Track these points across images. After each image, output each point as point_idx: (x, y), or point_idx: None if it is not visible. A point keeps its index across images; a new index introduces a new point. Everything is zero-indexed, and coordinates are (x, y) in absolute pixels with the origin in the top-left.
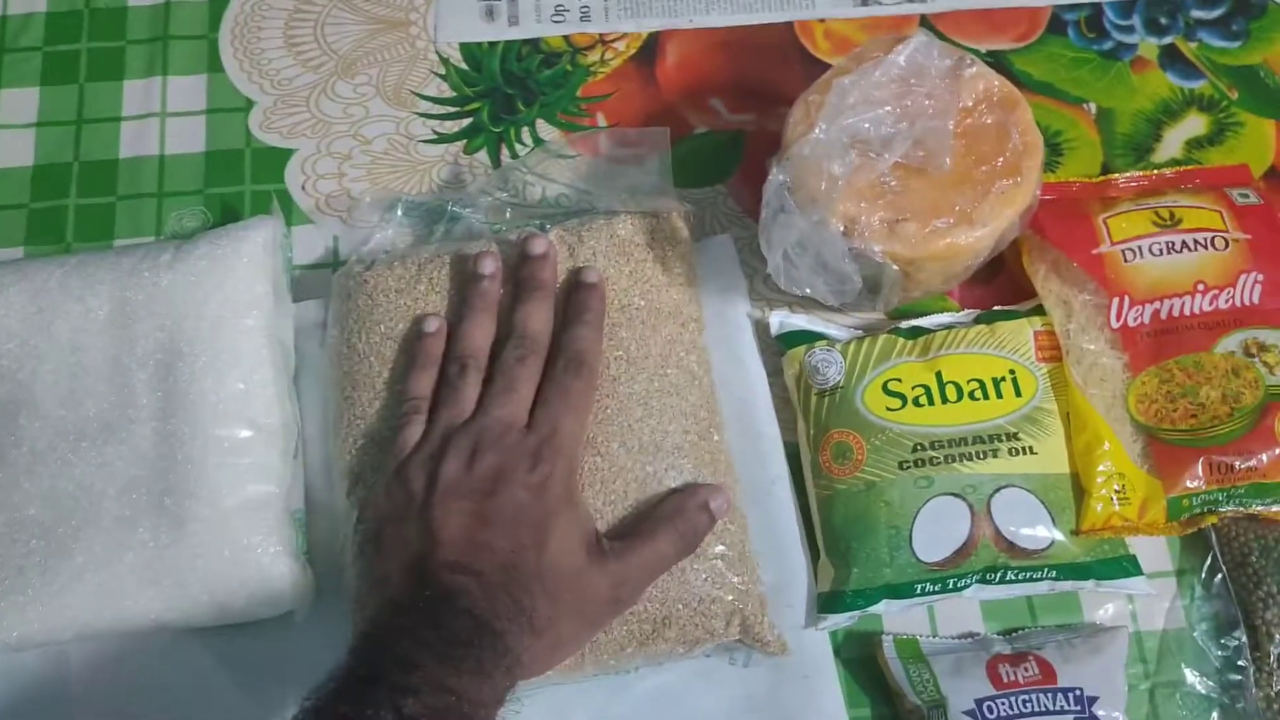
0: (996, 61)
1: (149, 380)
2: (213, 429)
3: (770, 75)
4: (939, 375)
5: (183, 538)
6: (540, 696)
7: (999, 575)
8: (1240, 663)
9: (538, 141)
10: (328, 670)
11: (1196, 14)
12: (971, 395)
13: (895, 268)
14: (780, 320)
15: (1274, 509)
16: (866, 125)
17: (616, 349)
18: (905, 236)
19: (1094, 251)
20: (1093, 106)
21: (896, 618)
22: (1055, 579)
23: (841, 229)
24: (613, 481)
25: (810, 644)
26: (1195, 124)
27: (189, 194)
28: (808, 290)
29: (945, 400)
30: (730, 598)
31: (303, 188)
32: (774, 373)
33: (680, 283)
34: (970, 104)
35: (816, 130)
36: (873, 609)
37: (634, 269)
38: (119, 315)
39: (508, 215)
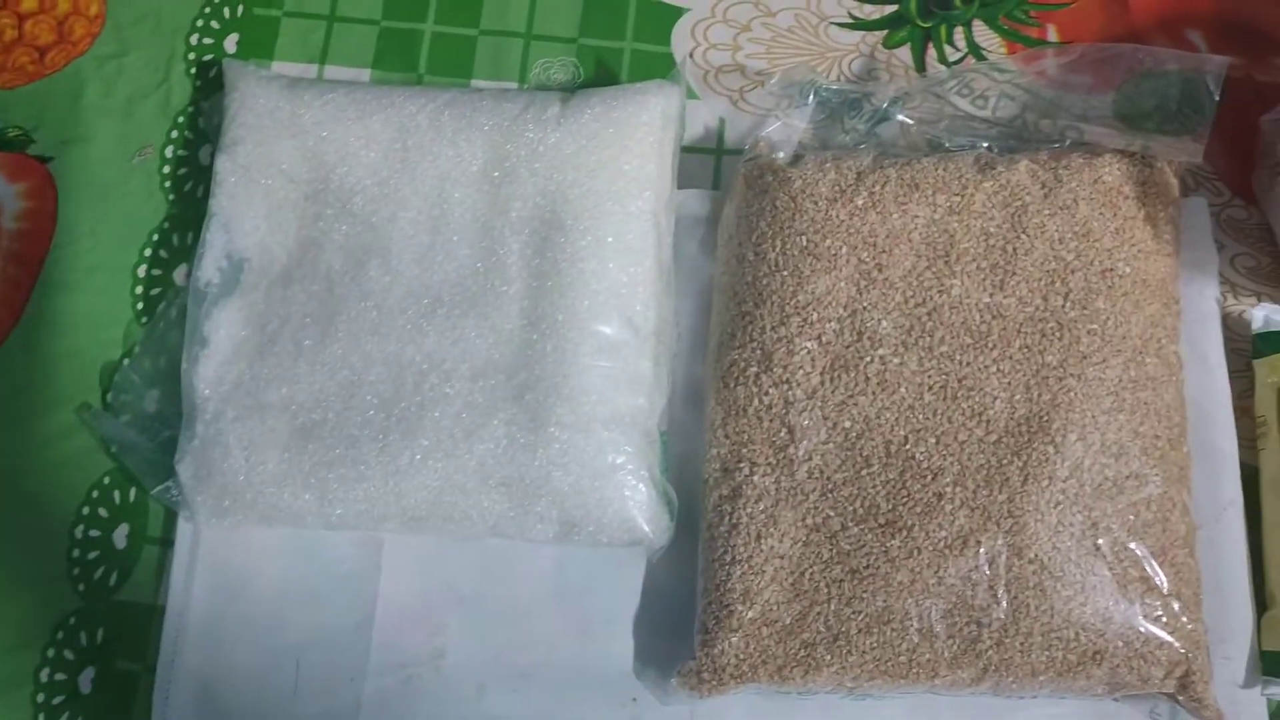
0: None
1: (521, 251)
2: (589, 322)
3: (1268, 14)
4: None
5: (540, 442)
6: (903, 700)
7: None
8: None
9: (972, 46)
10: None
11: None
12: None
13: None
14: (1265, 316)
15: None
16: None
17: (1090, 322)
18: None
19: None
20: None
21: None
22: None
23: None
24: (1065, 479)
25: (1246, 708)
26: None
27: (560, 41)
28: None
29: None
30: (1178, 644)
31: (690, 55)
32: (1235, 373)
33: (1169, 252)
34: None
35: None
36: None
37: (1121, 226)
38: (495, 169)
39: (942, 126)
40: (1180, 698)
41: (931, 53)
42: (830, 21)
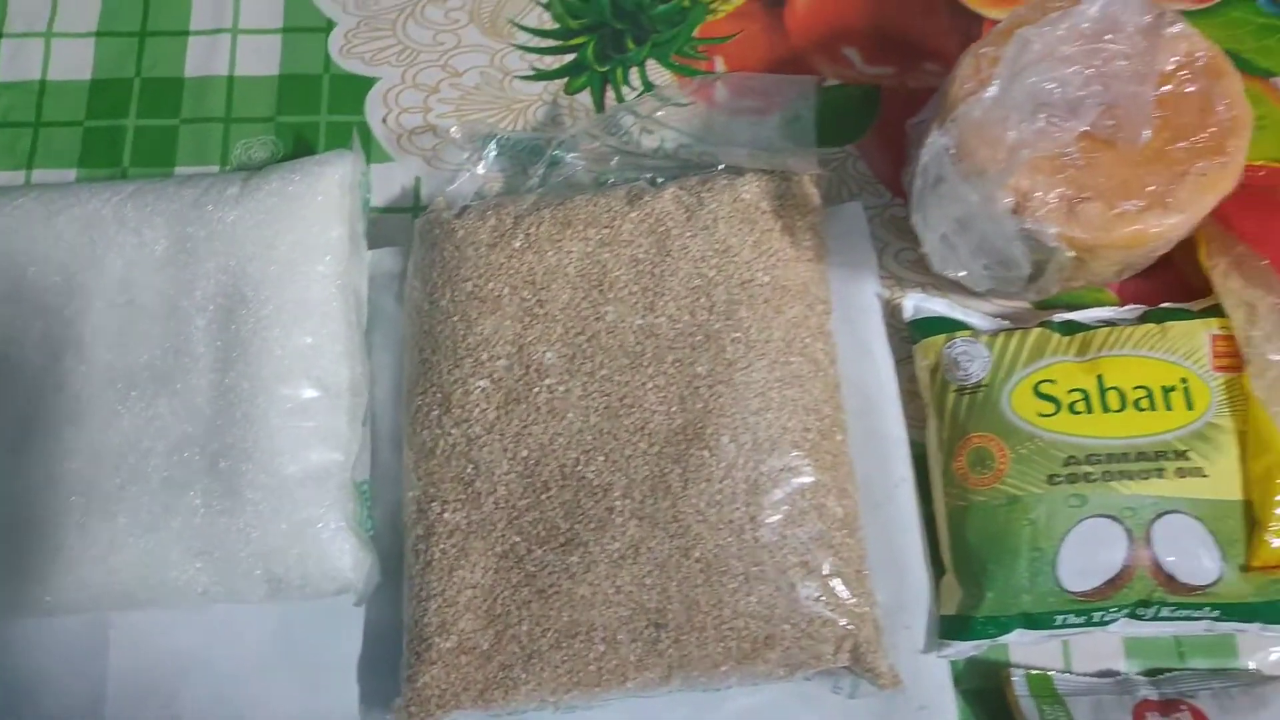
0: None
1: (207, 327)
2: (276, 386)
3: (914, 25)
4: (1100, 379)
5: (237, 506)
6: (621, 708)
7: (1153, 611)
8: None
9: (647, 85)
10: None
11: None
12: (1137, 405)
13: (1070, 253)
14: (915, 304)
15: None
16: (1052, 86)
17: (734, 330)
18: (1087, 219)
19: None
20: None
21: (1026, 648)
22: (1216, 619)
23: (1011, 205)
24: (721, 480)
25: (928, 671)
26: None
27: (259, 121)
28: (962, 274)
29: (1106, 409)
30: (843, 621)
31: (384, 121)
32: (901, 360)
33: (809, 258)
34: (1170, 68)
35: (991, 88)
36: (1003, 638)
37: (759, 239)
38: (178, 252)
39: (613, 164)
40: (855, 669)
41: (610, 95)
42: (514, 75)
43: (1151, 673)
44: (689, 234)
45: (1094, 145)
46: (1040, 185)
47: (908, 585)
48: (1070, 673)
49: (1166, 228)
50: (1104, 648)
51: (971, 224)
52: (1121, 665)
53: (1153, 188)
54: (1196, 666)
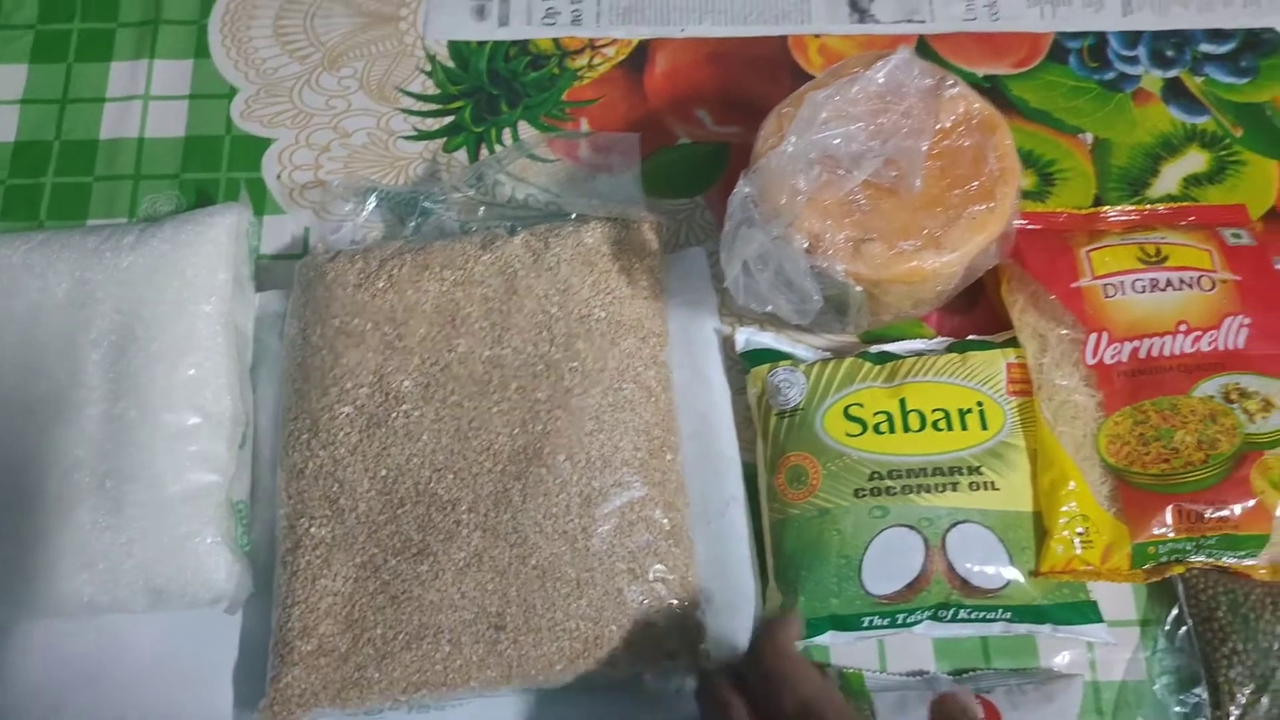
0: (994, 86)
1: (101, 361)
2: (161, 414)
3: (759, 89)
4: (903, 403)
5: (120, 522)
6: (470, 709)
7: (951, 613)
8: None
9: (518, 144)
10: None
11: (1205, 48)
12: (935, 425)
13: (859, 289)
14: (746, 337)
15: (1246, 562)
16: (837, 141)
17: (572, 360)
18: (870, 257)
19: (1074, 285)
20: (1089, 137)
21: (845, 649)
22: (1010, 620)
23: (806, 246)
24: (557, 495)
25: None
26: (1195, 160)
27: (165, 178)
28: (769, 308)
29: (907, 429)
30: (667, 621)
31: (278, 177)
32: (740, 390)
33: (645, 295)
34: (949, 125)
35: (787, 143)
36: (818, 640)
37: (597, 279)
38: (77, 295)
39: (480, 213)
40: (680, 667)
41: (485, 154)
42: (398, 136)
43: (957, 672)
44: (534, 275)
45: (879, 193)
46: (830, 228)
47: (737, 592)
48: (883, 672)
49: (941, 264)
50: (916, 649)
51: (769, 260)
52: (931, 665)
53: (928, 230)
54: (999, 666)
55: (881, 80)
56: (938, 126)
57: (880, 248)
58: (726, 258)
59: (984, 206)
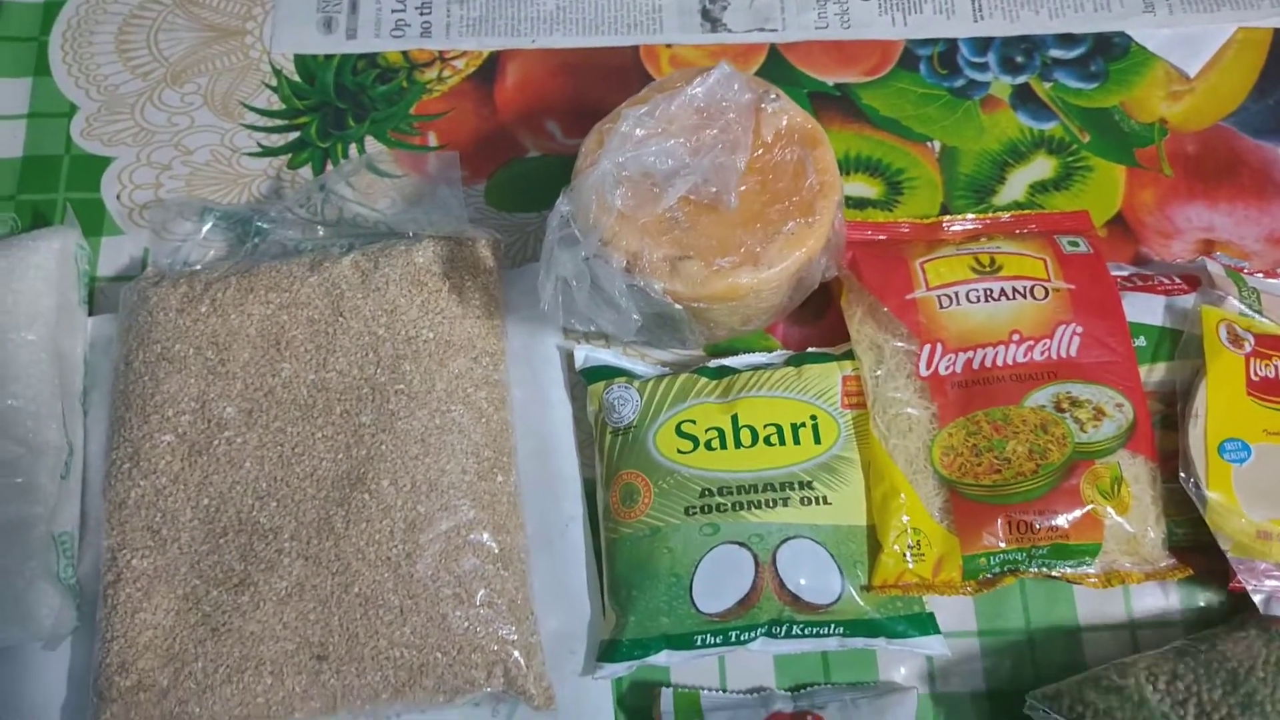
0: (844, 95)
1: None
2: None
3: (610, 99)
4: (735, 418)
5: None
6: None
7: (784, 629)
8: None
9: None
10: None
11: (1055, 53)
12: (767, 440)
13: (679, 307)
14: (585, 354)
15: (1076, 570)
16: (652, 158)
17: (398, 383)
18: (687, 275)
19: (908, 297)
20: (937, 145)
21: (685, 667)
22: (844, 635)
23: (624, 265)
24: (380, 520)
25: (590, 693)
26: (1042, 166)
27: (1, 200)
28: (593, 326)
29: (739, 444)
30: (494, 646)
31: (118, 197)
32: (583, 408)
33: (478, 315)
34: (770, 140)
35: (604, 160)
36: (653, 659)
37: (426, 299)
38: None
39: (321, 233)
40: (509, 692)
41: (330, 169)
42: (242, 152)
43: (796, 688)
44: (361, 296)
45: (699, 210)
46: (648, 246)
47: (575, 613)
48: (723, 690)
49: (759, 281)
50: (755, 666)
51: (583, 278)
52: (770, 681)
53: (747, 246)
54: (838, 681)
55: (701, 95)
56: (760, 141)
57: (697, 266)
58: (543, 277)
59: (803, 221)
